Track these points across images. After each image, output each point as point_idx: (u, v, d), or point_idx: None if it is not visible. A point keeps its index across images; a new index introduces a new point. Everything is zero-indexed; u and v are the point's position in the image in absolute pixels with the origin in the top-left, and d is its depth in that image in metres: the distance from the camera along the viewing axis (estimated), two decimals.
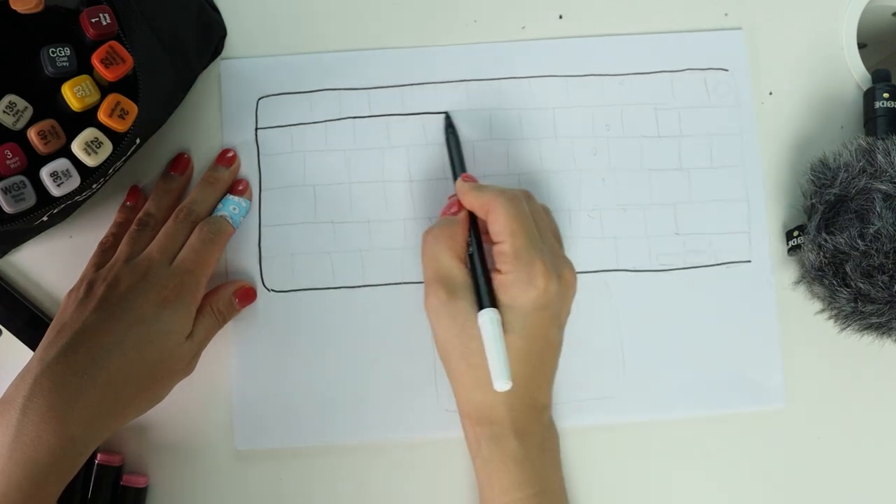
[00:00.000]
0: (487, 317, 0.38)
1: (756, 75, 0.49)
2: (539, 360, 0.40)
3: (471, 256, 0.41)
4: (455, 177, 0.44)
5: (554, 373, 0.42)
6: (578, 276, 0.46)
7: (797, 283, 0.46)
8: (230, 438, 0.45)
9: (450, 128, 0.47)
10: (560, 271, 0.39)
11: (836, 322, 0.44)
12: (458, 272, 0.40)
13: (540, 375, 0.41)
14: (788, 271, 0.47)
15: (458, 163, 0.45)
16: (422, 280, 0.46)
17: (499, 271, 0.39)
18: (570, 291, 0.40)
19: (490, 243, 0.41)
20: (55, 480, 0.36)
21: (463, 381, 0.40)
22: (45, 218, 0.38)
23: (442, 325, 0.40)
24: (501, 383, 0.36)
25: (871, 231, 0.40)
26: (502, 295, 0.39)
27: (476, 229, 0.42)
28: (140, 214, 0.44)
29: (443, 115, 0.47)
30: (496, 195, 0.40)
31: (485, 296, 0.39)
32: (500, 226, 0.39)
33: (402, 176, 0.47)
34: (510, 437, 0.39)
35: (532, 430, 0.40)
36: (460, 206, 0.42)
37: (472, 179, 0.43)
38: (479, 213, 0.41)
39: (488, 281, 0.39)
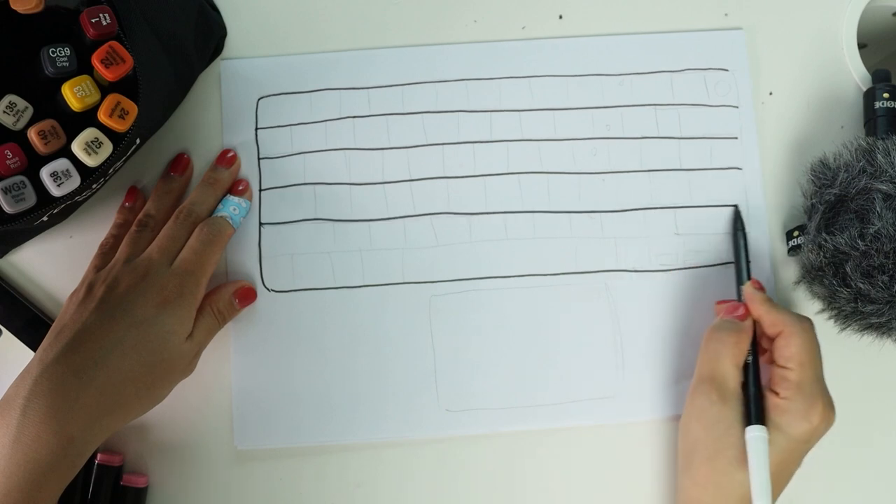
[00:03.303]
0: (758, 434, 0.39)
1: (756, 75, 0.49)
2: (777, 484, 0.40)
3: (745, 366, 0.42)
4: (740, 278, 0.45)
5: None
6: (578, 276, 0.46)
7: (797, 283, 0.46)
8: (230, 438, 0.45)
9: (739, 222, 0.47)
10: (829, 412, 0.40)
11: (836, 322, 0.44)
12: (733, 379, 0.41)
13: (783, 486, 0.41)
14: (788, 271, 0.47)
15: (745, 265, 0.45)
16: (423, 280, 0.46)
17: (776, 393, 0.40)
18: (827, 432, 0.41)
19: (766, 359, 0.43)
20: (55, 481, 0.36)
21: (699, 481, 0.40)
22: (45, 218, 0.38)
23: (702, 424, 0.41)
24: (762, 502, 0.37)
25: (871, 231, 0.40)
26: (775, 417, 0.40)
27: (755, 340, 0.43)
28: (140, 215, 0.44)
29: (731, 210, 0.47)
30: (794, 321, 0.41)
31: (757, 412, 0.40)
32: (790, 353, 0.40)
33: (402, 176, 0.47)
34: None
35: None
36: (747, 312, 0.43)
37: (760, 287, 0.44)
38: (767, 330, 0.42)
39: (762, 398, 0.41)
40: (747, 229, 0.47)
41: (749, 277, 0.45)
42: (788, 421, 0.39)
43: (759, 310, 0.43)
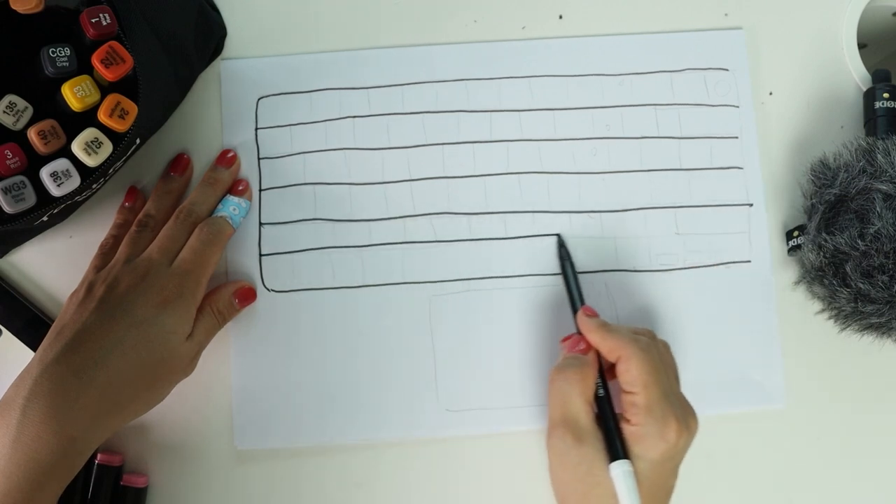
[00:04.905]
0: (622, 469, 0.38)
1: (756, 75, 0.49)
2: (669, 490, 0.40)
3: (598, 399, 0.41)
4: (573, 307, 0.44)
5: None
6: (578, 276, 0.46)
7: (797, 283, 0.46)
8: (230, 438, 0.45)
9: (563, 249, 0.46)
10: (688, 422, 0.39)
11: (836, 322, 0.44)
12: (585, 417, 0.40)
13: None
14: (788, 271, 0.47)
15: (576, 292, 0.44)
16: (423, 280, 0.46)
17: (628, 421, 0.39)
18: (693, 439, 0.40)
19: (612, 380, 0.41)
20: (56, 481, 0.36)
21: None
22: (45, 218, 0.38)
23: (564, 468, 0.39)
24: None
25: (871, 231, 0.40)
26: (633, 446, 0.38)
27: (601, 369, 0.41)
28: (140, 216, 0.44)
29: (555, 238, 0.46)
30: (628, 343, 0.39)
31: (618, 446, 0.39)
32: (632, 376, 0.39)
33: (402, 176, 0.47)
34: None
35: None
36: (588, 345, 0.42)
37: (593, 313, 0.43)
38: (607, 356, 0.41)
39: (619, 430, 0.39)
40: (748, 230, 0.47)
41: (582, 304, 0.44)
42: (646, 447, 0.38)
43: (595, 337, 0.41)
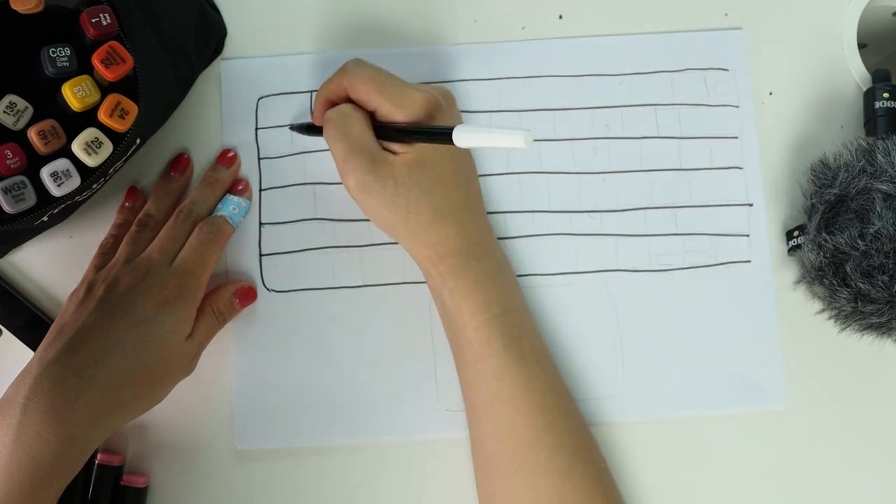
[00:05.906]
0: (459, 130, 0.35)
1: (756, 75, 0.49)
2: (466, 179, 0.42)
3: (378, 128, 0.40)
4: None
5: (479, 190, 0.44)
6: (578, 276, 0.46)
7: (797, 283, 0.46)
8: (230, 438, 0.45)
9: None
10: (429, 88, 0.40)
11: (836, 322, 0.44)
12: (373, 141, 0.40)
13: (475, 195, 0.44)
14: (788, 271, 0.47)
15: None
16: (423, 280, 0.46)
17: (406, 142, 0.40)
18: (453, 100, 0.42)
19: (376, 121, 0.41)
20: (56, 480, 0.36)
21: (416, 231, 0.41)
22: (45, 218, 0.38)
23: (375, 195, 0.40)
24: (525, 136, 0.32)
25: (872, 231, 0.40)
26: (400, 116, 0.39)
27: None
28: (140, 215, 0.44)
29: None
30: (343, 71, 0.41)
31: (437, 132, 0.38)
32: (364, 94, 0.40)
33: None
34: (472, 262, 0.41)
35: (488, 251, 0.42)
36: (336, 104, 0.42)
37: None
38: (350, 95, 0.41)
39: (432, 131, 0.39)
40: (748, 230, 0.47)
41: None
42: (411, 111, 0.39)
43: (324, 93, 0.42)
